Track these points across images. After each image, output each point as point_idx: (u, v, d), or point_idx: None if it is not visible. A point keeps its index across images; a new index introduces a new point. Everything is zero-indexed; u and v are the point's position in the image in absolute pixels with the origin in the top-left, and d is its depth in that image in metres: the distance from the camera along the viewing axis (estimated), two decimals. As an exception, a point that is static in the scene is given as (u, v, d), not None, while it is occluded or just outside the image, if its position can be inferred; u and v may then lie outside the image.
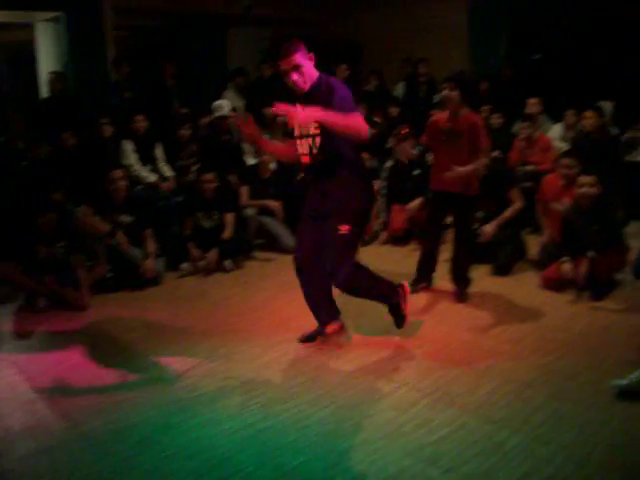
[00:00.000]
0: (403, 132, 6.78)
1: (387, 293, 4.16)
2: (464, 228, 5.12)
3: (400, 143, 6.81)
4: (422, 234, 5.64)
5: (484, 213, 5.90)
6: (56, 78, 7.79)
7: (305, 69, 3.83)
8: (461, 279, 5.12)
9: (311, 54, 3.90)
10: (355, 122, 3.61)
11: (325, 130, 3.69)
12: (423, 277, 5.27)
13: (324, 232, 3.89)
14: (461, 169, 4.79)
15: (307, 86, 3.83)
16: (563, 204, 5.50)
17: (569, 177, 5.51)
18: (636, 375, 3.50)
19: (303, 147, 3.90)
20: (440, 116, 5.15)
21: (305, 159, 3.92)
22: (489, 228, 5.70)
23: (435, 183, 5.09)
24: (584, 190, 5.10)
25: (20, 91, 10.39)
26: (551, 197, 5.79)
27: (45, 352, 4.28)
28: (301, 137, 3.90)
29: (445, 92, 5.03)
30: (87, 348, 4.28)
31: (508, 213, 5.81)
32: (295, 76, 3.80)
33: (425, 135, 5.41)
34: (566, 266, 5.08)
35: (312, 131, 3.81)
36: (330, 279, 3.92)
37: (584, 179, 5.12)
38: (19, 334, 4.68)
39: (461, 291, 5.09)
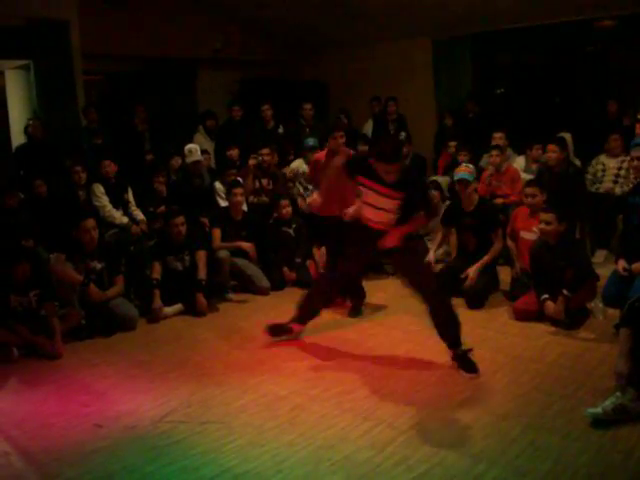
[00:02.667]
0: None
1: None
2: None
3: None
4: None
5: (463, 250, 5.99)
6: (36, 124, 7.80)
7: None
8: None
9: None
10: (421, 219, 4.45)
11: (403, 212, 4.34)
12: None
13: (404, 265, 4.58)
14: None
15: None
16: (532, 232, 5.62)
17: (534, 205, 5.72)
18: (610, 403, 3.55)
19: (377, 216, 4.38)
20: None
21: (377, 226, 4.40)
22: (472, 273, 5.75)
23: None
24: (541, 227, 5.23)
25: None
26: (521, 226, 5.91)
27: (18, 403, 4.20)
28: (377, 208, 4.36)
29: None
30: (61, 397, 4.22)
31: (489, 256, 5.88)
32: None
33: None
34: (549, 304, 5.15)
35: (389, 207, 4.32)
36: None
37: (542, 216, 5.24)
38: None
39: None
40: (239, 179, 7.15)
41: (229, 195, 6.75)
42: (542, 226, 5.22)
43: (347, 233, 4.70)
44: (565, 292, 5.02)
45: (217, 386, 4.29)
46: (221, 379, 4.41)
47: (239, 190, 6.69)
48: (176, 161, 7.69)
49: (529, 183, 6.02)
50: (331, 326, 5.37)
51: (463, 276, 5.75)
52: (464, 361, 4.36)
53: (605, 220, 6.98)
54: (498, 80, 10.26)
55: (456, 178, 5.95)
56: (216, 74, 11.02)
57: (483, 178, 7.36)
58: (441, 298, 4.45)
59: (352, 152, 5.79)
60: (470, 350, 4.41)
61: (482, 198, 6.21)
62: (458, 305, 5.64)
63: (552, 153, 6.92)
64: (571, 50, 9.54)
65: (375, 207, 4.36)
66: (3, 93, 9.04)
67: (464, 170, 5.93)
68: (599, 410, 3.53)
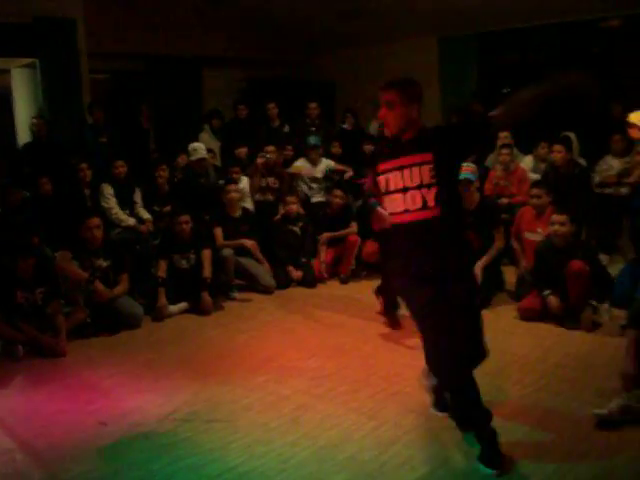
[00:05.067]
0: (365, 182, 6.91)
1: None
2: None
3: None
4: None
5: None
6: (40, 122, 7.82)
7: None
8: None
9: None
10: None
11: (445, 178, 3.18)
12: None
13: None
14: None
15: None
16: (536, 233, 5.61)
17: (539, 206, 5.74)
18: (615, 404, 3.54)
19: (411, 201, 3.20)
20: None
21: (412, 216, 3.21)
22: (477, 270, 5.70)
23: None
24: (555, 228, 5.19)
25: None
26: (525, 227, 5.90)
27: (23, 400, 4.21)
28: (405, 190, 3.20)
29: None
30: (66, 395, 4.23)
31: (491, 255, 5.87)
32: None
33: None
34: (552, 299, 5.15)
35: (427, 180, 3.16)
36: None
37: (555, 217, 5.21)
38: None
39: None
40: (235, 176, 7.15)
41: (223, 192, 6.73)
42: (556, 227, 5.17)
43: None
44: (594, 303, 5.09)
45: (222, 385, 4.29)
46: (226, 378, 4.41)
47: (232, 187, 6.69)
48: (182, 159, 7.70)
49: (535, 184, 6.02)
50: (336, 325, 5.36)
51: None
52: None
53: (611, 222, 6.95)
54: (504, 79, 10.22)
55: (460, 178, 5.93)
56: (222, 73, 11.02)
57: (490, 178, 7.34)
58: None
59: None
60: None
61: (484, 197, 6.20)
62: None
63: (558, 153, 6.89)
64: (577, 50, 9.50)
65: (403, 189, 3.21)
66: (9, 92, 9.05)
67: (467, 170, 5.92)
68: (605, 411, 3.52)
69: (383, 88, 3.24)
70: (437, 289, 3.16)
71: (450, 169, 3.23)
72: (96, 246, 5.61)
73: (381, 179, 3.30)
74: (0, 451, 3.53)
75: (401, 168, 3.20)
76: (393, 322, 5.35)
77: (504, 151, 7.29)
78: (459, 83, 9.94)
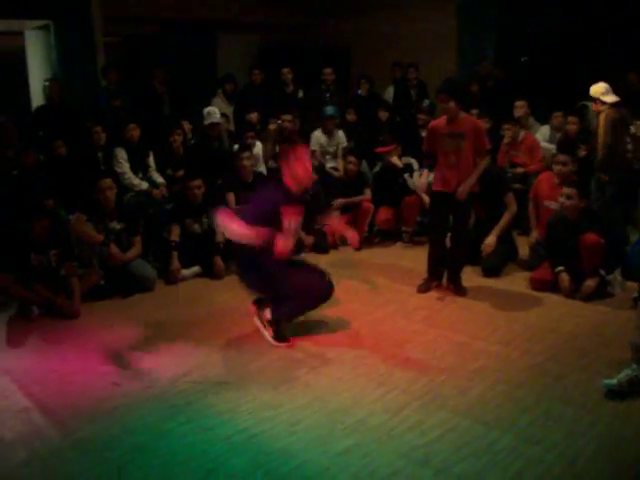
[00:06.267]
0: (385, 151, 6.86)
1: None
2: (463, 228, 5.27)
3: (386, 157, 6.91)
4: (429, 234, 5.69)
5: (476, 218, 5.95)
6: (54, 85, 7.80)
7: None
8: (457, 276, 5.34)
9: None
10: None
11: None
12: (434, 276, 5.43)
13: None
14: (468, 182, 5.02)
15: None
16: (556, 202, 5.52)
17: (563, 174, 5.57)
18: (624, 375, 3.55)
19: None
20: (437, 122, 5.23)
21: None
22: (491, 241, 5.68)
23: (438, 184, 5.20)
24: (562, 200, 5.18)
25: (10, 99, 10.38)
26: (545, 195, 5.84)
27: (38, 360, 4.28)
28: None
29: (442, 105, 5.08)
30: (80, 356, 4.29)
31: (505, 220, 5.80)
32: None
33: (426, 142, 5.32)
34: (563, 278, 5.14)
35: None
36: None
37: (565, 190, 5.18)
38: (12, 343, 4.69)
39: (459, 286, 5.33)
40: (249, 143, 7.12)
41: (237, 159, 6.71)
42: (562, 199, 5.18)
43: None
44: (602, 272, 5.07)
45: (233, 348, 4.34)
46: (237, 342, 4.45)
47: (246, 154, 6.64)
48: (186, 124, 7.65)
49: (561, 150, 5.89)
50: (349, 292, 5.38)
51: (484, 247, 5.68)
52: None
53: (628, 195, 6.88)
54: (523, 47, 10.05)
55: None
56: (236, 38, 10.92)
57: (502, 147, 7.28)
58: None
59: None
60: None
61: (489, 166, 6.07)
62: (474, 273, 5.69)
63: (572, 125, 6.80)
64: (599, 17, 9.31)
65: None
66: (23, 54, 9.02)
67: None
68: (614, 381, 3.54)
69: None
70: None
71: None
72: (110, 209, 5.63)
73: None
74: (17, 409, 3.60)
75: None
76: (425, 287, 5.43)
77: (506, 126, 7.21)
78: (478, 50, 9.80)
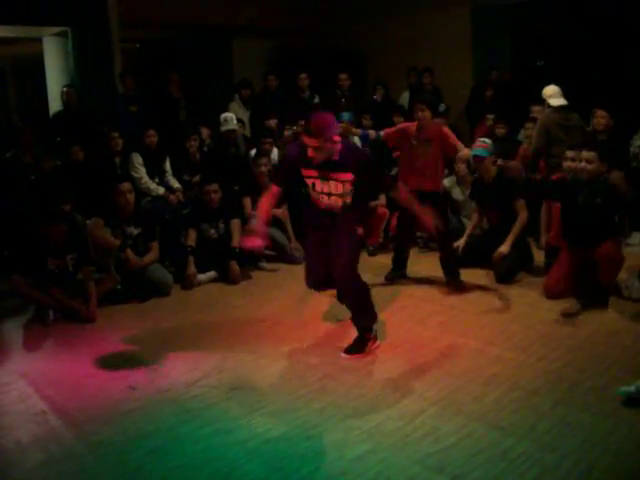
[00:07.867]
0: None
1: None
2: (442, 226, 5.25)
3: None
4: (396, 232, 6.16)
5: (487, 225, 5.93)
6: (71, 91, 7.88)
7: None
8: (452, 270, 5.62)
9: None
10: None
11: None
12: (398, 269, 5.89)
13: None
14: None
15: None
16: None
17: (589, 173, 5.05)
18: (643, 382, 3.52)
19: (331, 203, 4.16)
20: (408, 126, 5.65)
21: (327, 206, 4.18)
22: (505, 249, 5.64)
23: (406, 183, 5.15)
24: (582, 165, 5.03)
25: (28, 104, 10.50)
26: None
27: (54, 364, 4.31)
28: (330, 195, 4.13)
29: (419, 114, 5.46)
30: (96, 360, 4.32)
31: (517, 228, 5.74)
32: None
33: (393, 135, 5.75)
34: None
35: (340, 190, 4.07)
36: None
37: (584, 154, 5.02)
38: (28, 346, 4.72)
39: (455, 280, 5.59)
40: (267, 149, 7.15)
41: (254, 165, 6.74)
42: (582, 165, 5.00)
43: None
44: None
45: (249, 353, 4.34)
46: (253, 346, 4.46)
47: (263, 160, 6.68)
48: (205, 131, 7.69)
49: (586, 145, 5.36)
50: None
51: (496, 255, 5.66)
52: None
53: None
54: (538, 51, 10.02)
55: (471, 153, 5.88)
56: (252, 43, 10.95)
57: (520, 153, 7.23)
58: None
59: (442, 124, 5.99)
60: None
61: (500, 170, 6.04)
62: (488, 280, 5.66)
63: (601, 119, 6.55)
64: (613, 21, 9.24)
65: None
66: (41, 60, 9.11)
67: (479, 146, 5.84)
68: (632, 389, 3.50)
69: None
70: None
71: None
72: (128, 213, 5.66)
73: None
74: (33, 412, 3.62)
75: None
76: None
77: (529, 125, 7.17)
78: (492, 54, 9.78)
